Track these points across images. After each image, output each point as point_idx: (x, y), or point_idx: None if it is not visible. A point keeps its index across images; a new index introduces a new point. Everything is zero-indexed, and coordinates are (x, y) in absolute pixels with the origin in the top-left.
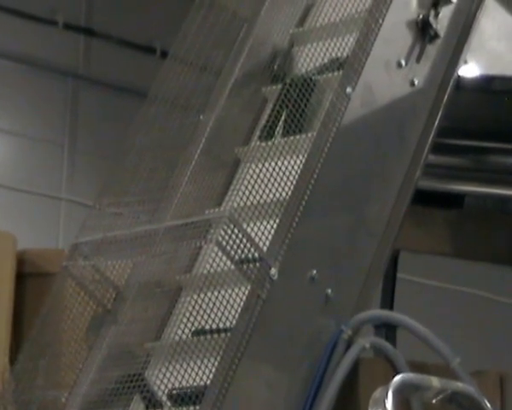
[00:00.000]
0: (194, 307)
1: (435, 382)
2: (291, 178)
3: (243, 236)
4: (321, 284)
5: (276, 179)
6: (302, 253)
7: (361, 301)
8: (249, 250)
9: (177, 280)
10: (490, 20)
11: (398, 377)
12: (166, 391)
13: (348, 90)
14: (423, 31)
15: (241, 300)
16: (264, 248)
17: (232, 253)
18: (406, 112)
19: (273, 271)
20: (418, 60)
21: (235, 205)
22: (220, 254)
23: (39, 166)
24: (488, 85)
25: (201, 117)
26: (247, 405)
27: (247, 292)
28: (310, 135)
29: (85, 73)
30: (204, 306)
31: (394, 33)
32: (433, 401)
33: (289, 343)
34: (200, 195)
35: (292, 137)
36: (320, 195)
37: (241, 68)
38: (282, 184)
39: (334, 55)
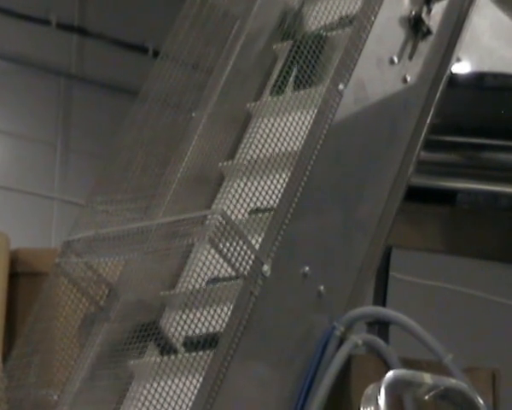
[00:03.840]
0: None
1: (427, 378)
2: (302, 132)
3: (236, 233)
4: (313, 281)
5: (287, 133)
6: (294, 249)
7: (353, 298)
8: (241, 247)
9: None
10: (482, 17)
11: (390, 374)
12: (181, 338)
13: (341, 86)
14: (416, 27)
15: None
16: (257, 245)
17: (225, 250)
18: (398, 108)
19: (265, 267)
20: (411, 56)
21: (248, 157)
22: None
23: (32, 166)
24: (480, 82)
25: (193, 114)
26: (239, 402)
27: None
28: (320, 88)
29: (78, 72)
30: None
31: (387, 30)
32: (426, 397)
33: (282, 340)
34: (214, 149)
35: (302, 92)
36: (312, 192)
37: (251, 26)
38: (294, 137)
39: (343, 12)
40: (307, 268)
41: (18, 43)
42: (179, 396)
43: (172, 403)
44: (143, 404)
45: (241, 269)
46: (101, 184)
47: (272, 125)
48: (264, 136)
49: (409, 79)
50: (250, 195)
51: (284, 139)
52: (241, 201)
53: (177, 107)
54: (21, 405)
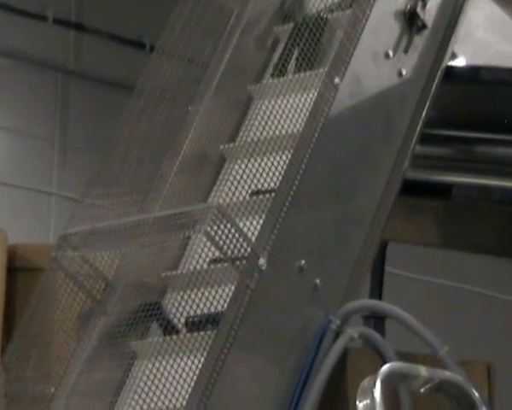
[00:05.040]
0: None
1: (423, 371)
2: (302, 114)
3: (232, 226)
4: (309, 275)
5: (287, 115)
6: (290, 243)
7: (349, 292)
8: (238, 240)
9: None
10: (476, 11)
11: (386, 367)
12: (183, 319)
13: (336, 80)
14: (411, 21)
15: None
16: (253, 238)
17: (221, 243)
18: (394, 102)
19: (261, 261)
20: (406, 50)
21: (249, 140)
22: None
23: (30, 161)
24: (475, 75)
25: (190, 108)
26: (235, 396)
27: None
28: (321, 70)
29: (75, 68)
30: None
31: (382, 24)
32: (422, 389)
33: (278, 333)
34: (215, 131)
35: (302, 74)
36: (308, 186)
37: (252, 11)
38: (294, 119)
39: None
40: (303, 262)
41: (15, 38)
42: (181, 376)
43: (174, 383)
44: (146, 384)
45: (237, 262)
46: (98, 177)
47: (273, 106)
48: (266, 117)
49: (404, 72)
50: (251, 176)
51: (285, 121)
52: (242, 182)
53: (173, 101)
54: (19, 398)
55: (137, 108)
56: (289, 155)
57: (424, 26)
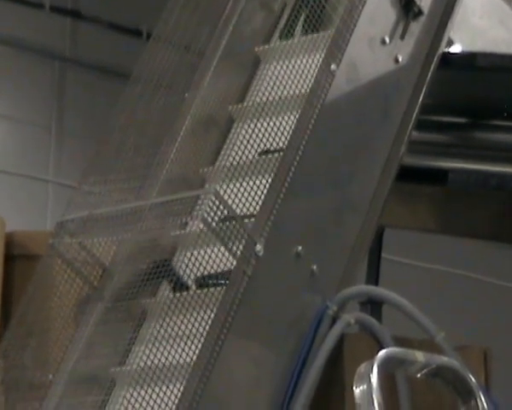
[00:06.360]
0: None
1: (420, 356)
2: (310, 75)
3: (229, 212)
4: (306, 261)
5: (295, 76)
6: (287, 229)
7: (346, 278)
8: (234, 226)
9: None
10: None
11: (382, 352)
12: (192, 276)
13: (333, 67)
14: (407, 8)
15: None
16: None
17: (218, 229)
18: (390, 89)
19: (258, 247)
20: (402, 37)
21: (258, 101)
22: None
23: (27, 149)
24: (471, 62)
25: (186, 95)
26: (233, 382)
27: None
28: (328, 32)
29: (72, 55)
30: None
31: (378, 10)
32: (418, 375)
33: (275, 319)
34: (224, 93)
35: (309, 36)
36: (305, 171)
37: None
38: (302, 80)
39: None
40: (300, 248)
41: (12, 26)
42: (191, 331)
43: (184, 338)
44: (156, 339)
45: (234, 248)
46: (95, 164)
47: (281, 68)
48: (273, 79)
49: (400, 59)
50: (260, 136)
51: (292, 82)
52: (251, 142)
53: (169, 88)
54: (17, 385)
55: (134, 95)
56: (287, 140)
57: (420, 12)
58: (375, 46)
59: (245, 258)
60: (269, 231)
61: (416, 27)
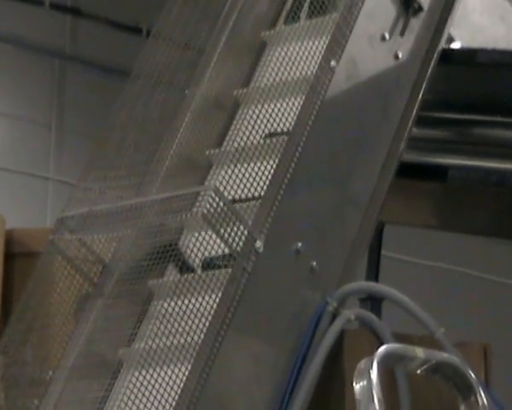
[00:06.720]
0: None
1: (420, 352)
2: (316, 58)
3: (228, 209)
4: (306, 257)
5: (301, 59)
6: (287, 225)
7: (346, 274)
8: (234, 223)
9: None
10: None
11: (382, 348)
12: (198, 259)
13: (332, 63)
14: (407, 4)
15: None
16: (250, 222)
17: (218, 226)
18: (390, 85)
19: (258, 243)
20: (402, 33)
21: (263, 85)
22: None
23: (27, 147)
24: (471, 58)
25: (186, 92)
26: (233, 378)
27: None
28: (334, 15)
29: (72, 53)
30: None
31: (378, 7)
32: (418, 371)
33: (275, 316)
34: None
35: (315, 20)
36: (305, 168)
37: None
38: (308, 63)
39: None
40: (300, 244)
41: (12, 24)
42: (197, 314)
43: (189, 321)
44: (161, 322)
45: (234, 245)
46: (95, 161)
47: (286, 51)
48: (279, 63)
49: (400, 55)
50: (266, 119)
51: (299, 64)
52: (256, 126)
53: (169, 85)
54: (17, 381)
55: (134, 91)
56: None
57: (420, 8)
58: (374, 42)
59: (245, 254)
60: (269, 227)
61: (415, 24)
